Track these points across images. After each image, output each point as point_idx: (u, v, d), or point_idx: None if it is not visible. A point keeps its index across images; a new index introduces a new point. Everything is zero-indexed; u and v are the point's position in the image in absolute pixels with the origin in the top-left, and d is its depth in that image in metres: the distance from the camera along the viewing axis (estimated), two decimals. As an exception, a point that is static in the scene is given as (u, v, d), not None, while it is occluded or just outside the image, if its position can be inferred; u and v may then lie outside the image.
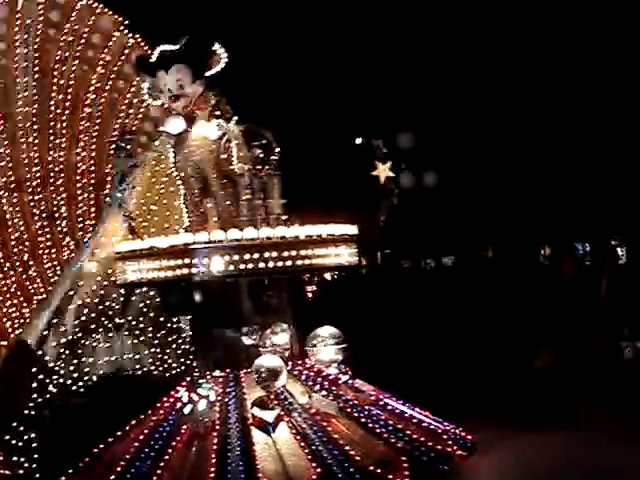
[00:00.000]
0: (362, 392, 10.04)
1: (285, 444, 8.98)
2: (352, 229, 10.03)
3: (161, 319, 11.03)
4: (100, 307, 10.55)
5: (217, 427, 9.06)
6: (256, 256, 9.30)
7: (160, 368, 11.13)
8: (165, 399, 9.64)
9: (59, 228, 13.19)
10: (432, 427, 9.84)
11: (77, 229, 13.30)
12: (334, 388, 9.86)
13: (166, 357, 11.18)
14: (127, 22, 13.68)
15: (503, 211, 25.58)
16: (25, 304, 12.61)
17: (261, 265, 9.33)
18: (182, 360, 11.20)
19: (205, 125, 9.86)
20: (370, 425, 9.38)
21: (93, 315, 10.52)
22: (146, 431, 9.22)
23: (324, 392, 9.74)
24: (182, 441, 9.02)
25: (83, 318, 10.47)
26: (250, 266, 9.32)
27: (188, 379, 9.64)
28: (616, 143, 25.22)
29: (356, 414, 9.53)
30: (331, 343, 9.99)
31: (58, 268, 12.97)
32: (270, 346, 10.04)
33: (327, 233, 9.65)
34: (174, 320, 11.11)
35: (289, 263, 9.42)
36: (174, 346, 11.18)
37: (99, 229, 10.62)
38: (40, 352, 10.34)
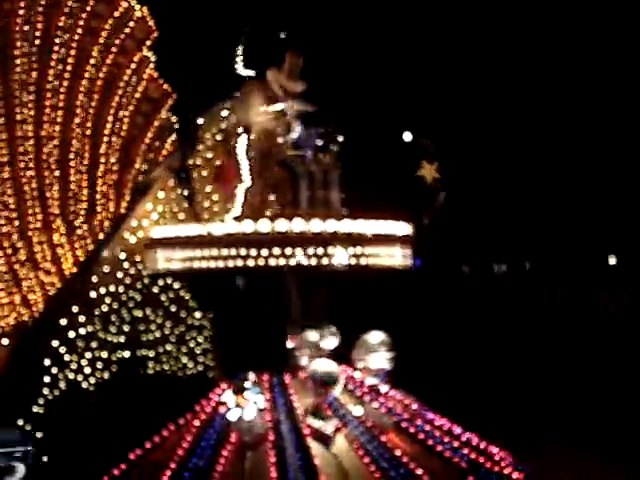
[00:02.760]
0: (408, 405, 9.28)
1: (347, 459, 8.21)
2: (409, 229, 9.29)
3: (182, 315, 10.06)
4: (123, 297, 9.51)
5: (270, 437, 8.15)
6: (320, 251, 8.47)
7: (174, 368, 10.15)
8: (205, 402, 8.69)
9: (50, 209, 12.05)
10: (482, 447, 9.16)
11: (69, 211, 12.23)
12: (383, 399, 9.07)
13: (181, 356, 10.21)
14: (136, -9, 12.58)
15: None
16: (15, 289, 11.48)
17: (324, 261, 8.50)
18: (200, 360, 10.26)
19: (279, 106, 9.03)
20: (430, 442, 8.63)
21: (115, 306, 9.48)
22: (189, 438, 8.29)
23: (375, 404, 8.93)
24: (232, 451, 8.10)
25: (105, 308, 9.42)
26: (313, 262, 8.48)
27: (230, 381, 8.69)
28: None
29: (412, 429, 8.75)
30: (381, 350, 9.18)
31: (48, 252, 11.85)
32: (311, 350, 9.22)
33: (394, 232, 8.89)
34: (196, 317, 10.17)
35: (353, 261, 8.63)
36: (192, 345, 10.23)
37: (130, 211, 9.57)
38: (54, 344, 9.23)
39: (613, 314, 24.10)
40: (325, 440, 8.28)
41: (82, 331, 9.40)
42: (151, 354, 10.04)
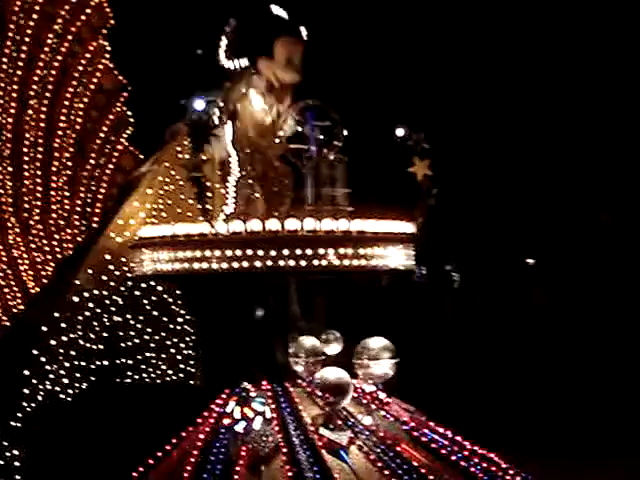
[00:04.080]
0: (412, 412, 8.86)
1: (364, 472, 7.70)
2: (412, 228, 8.89)
3: (163, 319, 9.44)
4: (106, 301, 8.84)
5: (284, 450, 7.62)
6: (331, 251, 7.99)
7: (152, 375, 9.51)
8: (206, 414, 8.09)
9: (3, 207, 11.24)
10: (489, 457, 8.79)
11: (22, 209, 11.43)
12: (388, 408, 8.62)
13: (160, 362, 9.57)
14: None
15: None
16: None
17: (335, 262, 8.03)
18: (181, 367, 9.64)
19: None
20: (443, 452, 8.21)
21: (98, 310, 8.80)
22: (195, 452, 7.67)
23: (382, 412, 8.48)
24: (245, 465, 7.54)
25: (87, 313, 8.74)
26: (323, 263, 8.01)
27: (231, 390, 8.13)
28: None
29: (424, 439, 8.32)
30: (385, 357, 8.72)
31: (4, 253, 11.07)
32: (310, 356, 8.73)
33: (402, 231, 8.47)
34: (178, 321, 9.56)
35: (363, 262, 8.19)
36: (172, 351, 9.61)
37: (117, 208, 8.91)
38: (35, 352, 8.52)
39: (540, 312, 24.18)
40: (339, 452, 7.77)
41: (63, 338, 8.66)
42: (130, 362, 9.35)
